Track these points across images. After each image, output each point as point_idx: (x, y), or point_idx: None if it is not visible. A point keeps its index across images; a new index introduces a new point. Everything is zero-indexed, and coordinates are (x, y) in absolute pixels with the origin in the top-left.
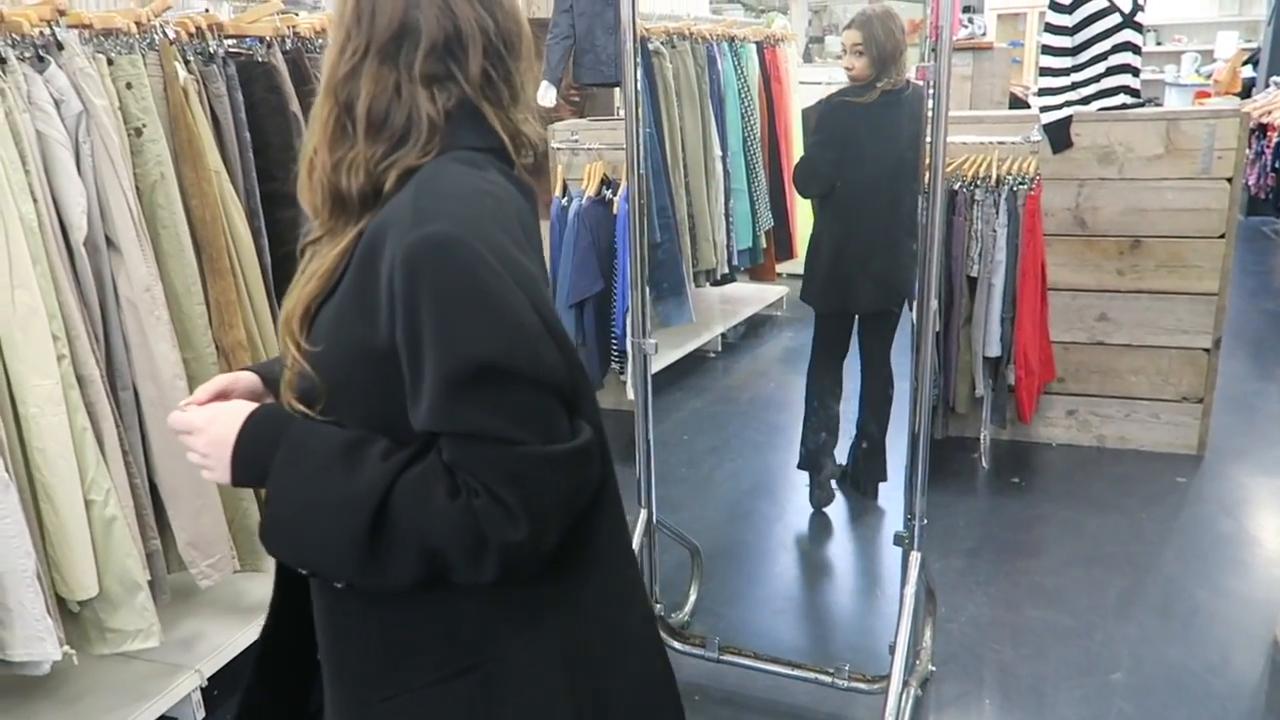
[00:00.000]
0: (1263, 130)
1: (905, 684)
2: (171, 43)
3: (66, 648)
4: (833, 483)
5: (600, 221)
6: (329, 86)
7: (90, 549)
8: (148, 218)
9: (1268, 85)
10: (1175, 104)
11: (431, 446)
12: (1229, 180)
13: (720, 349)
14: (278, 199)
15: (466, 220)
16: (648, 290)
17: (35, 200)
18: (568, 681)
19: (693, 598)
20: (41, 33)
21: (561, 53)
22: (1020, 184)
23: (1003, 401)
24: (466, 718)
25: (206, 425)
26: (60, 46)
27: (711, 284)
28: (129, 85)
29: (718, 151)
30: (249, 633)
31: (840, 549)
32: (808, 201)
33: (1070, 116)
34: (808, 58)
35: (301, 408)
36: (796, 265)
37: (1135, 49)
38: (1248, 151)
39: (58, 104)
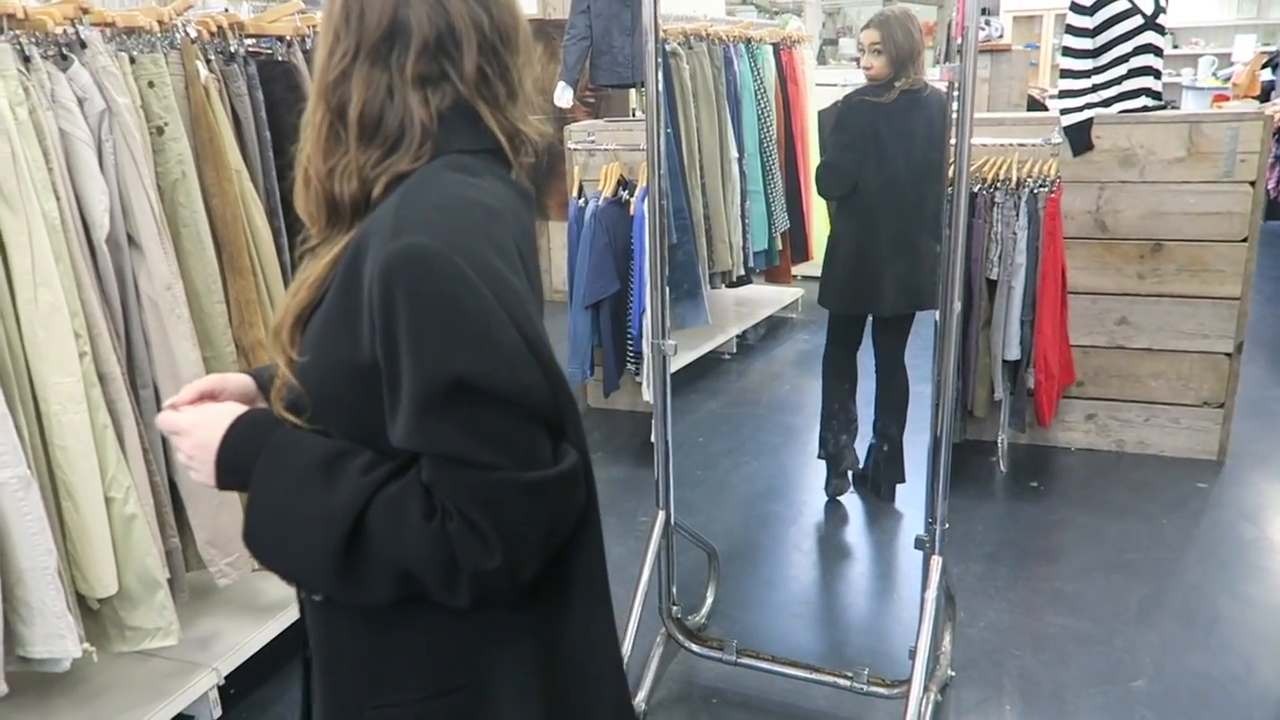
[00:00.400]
0: None
1: (925, 689)
2: (193, 41)
3: (86, 645)
4: (848, 474)
5: (616, 222)
6: (320, 91)
7: (110, 546)
8: (169, 216)
9: None
10: (1192, 107)
11: (414, 461)
12: (1251, 184)
13: (735, 351)
14: None
15: (449, 232)
16: (666, 291)
17: (58, 198)
18: (552, 712)
19: (709, 600)
20: (65, 31)
21: (579, 54)
22: (1040, 186)
23: (1021, 405)
24: None
25: (192, 428)
26: (83, 45)
27: (727, 286)
28: (151, 84)
29: (734, 153)
30: (266, 631)
31: (857, 552)
32: (824, 203)
33: (1091, 119)
34: (822, 60)
35: (290, 416)
36: (812, 267)
37: (1157, 51)
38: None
39: (81, 102)
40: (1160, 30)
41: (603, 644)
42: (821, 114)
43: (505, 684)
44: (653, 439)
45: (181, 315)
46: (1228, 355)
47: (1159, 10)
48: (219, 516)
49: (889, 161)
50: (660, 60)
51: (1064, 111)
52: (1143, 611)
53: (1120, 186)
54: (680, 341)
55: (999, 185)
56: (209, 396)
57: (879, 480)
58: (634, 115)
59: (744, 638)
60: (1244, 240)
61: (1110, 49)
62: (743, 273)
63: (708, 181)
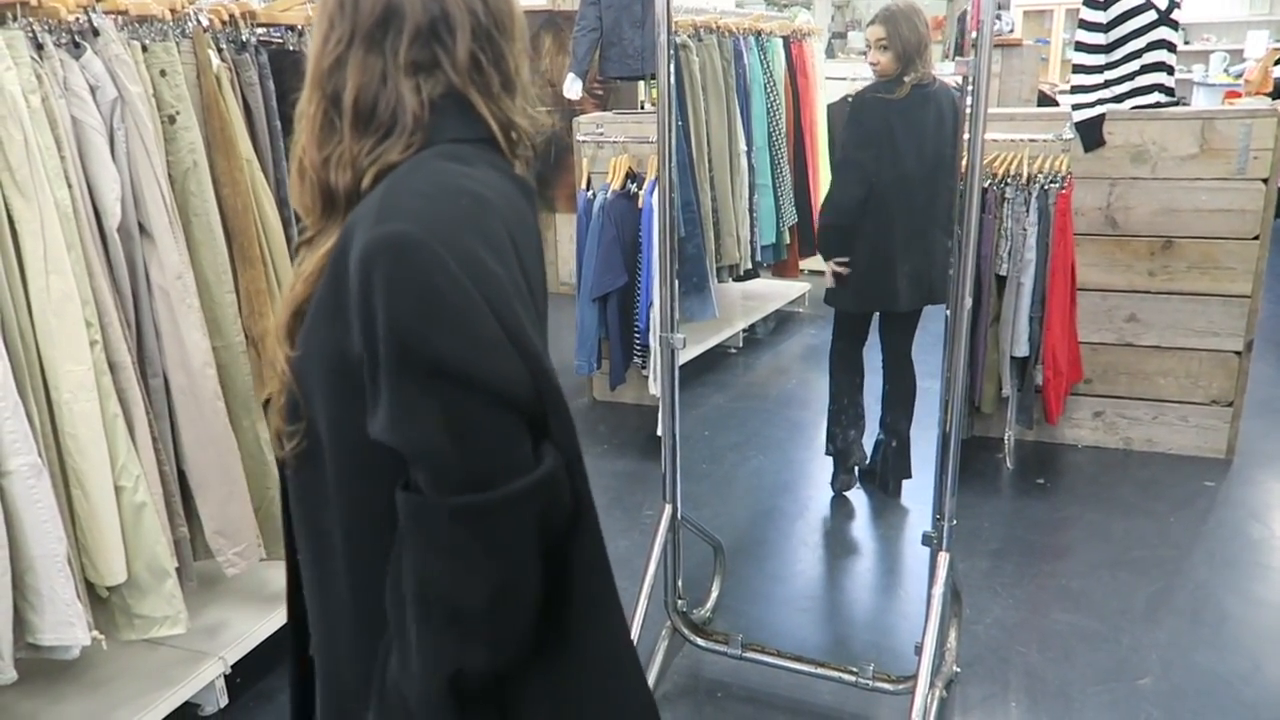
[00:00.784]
0: None
1: (931, 685)
2: (205, 30)
3: (95, 633)
4: (855, 469)
5: (625, 215)
6: (315, 79)
7: (120, 535)
8: (180, 205)
9: None
10: (1204, 104)
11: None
12: (1264, 181)
13: (742, 345)
14: None
15: (431, 220)
16: (676, 285)
17: (70, 186)
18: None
19: (715, 594)
20: (78, 19)
21: (588, 45)
22: (1051, 182)
23: (1029, 402)
24: None
25: None
26: (96, 33)
27: (734, 279)
28: (163, 72)
29: (743, 146)
30: (273, 621)
31: (863, 547)
32: None
33: (1103, 115)
34: (830, 53)
35: (290, 429)
36: (820, 262)
37: (1171, 47)
38: None
39: (93, 90)
40: (1174, 26)
41: (616, 642)
42: (831, 108)
43: (513, 687)
44: (659, 432)
45: (192, 304)
46: (1237, 353)
47: (1173, 6)
48: (228, 506)
49: (902, 157)
50: (671, 53)
51: (1076, 107)
52: (1149, 609)
53: (1132, 183)
54: (687, 335)
55: (1009, 181)
56: None
57: (886, 476)
58: (642, 107)
59: (749, 632)
60: (1256, 238)
61: (1124, 44)
62: (750, 266)
63: (716, 175)
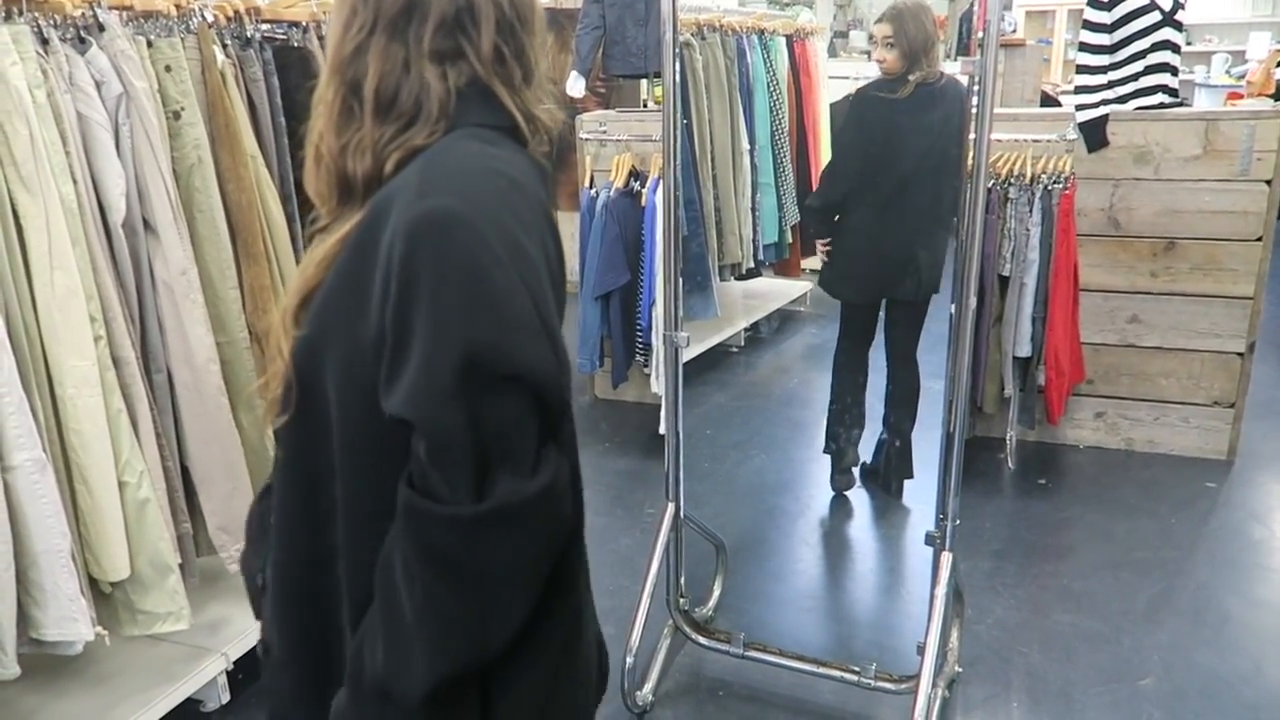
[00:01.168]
0: None
1: (933, 685)
2: (210, 26)
3: (99, 628)
4: (854, 470)
5: (627, 213)
6: (334, 66)
7: (123, 530)
8: (184, 201)
9: None
10: (1205, 105)
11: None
12: (1268, 183)
13: (744, 344)
14: None
15: (475, 199)
16: (680, 283)
17: (75, 181)
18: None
19: (717, 592)
20: (83, 14)
21: (591, 43)
22: (1055, 183)
23: (1031, 402)
24: None
25: None
26: (101, 28)
27: (736, 278)
28: (168, 68)
29: (746, 145)
30: None
31: (865, 546)
32: None
33: (1106, 115)
34: (832, 52)
35: (280, 420)
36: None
37: (1175, 48)
38: None
39: (98, 85)
40: (1178, 27)
41: (579, 601)
42: (833, 107)
43: (512, 685)
44: (662, 430)
45: (196, 300)
46: (1239, 355)
47: (1177, 7)
48: (231, 502)
49: (905, 155)
50: (676, 51)
51: (1080, 108)
52: (1151, 610)
53: (1135, 184)
54: (689, 333)
55: (1013, 181)
56: None
57: (888, 475)
58: (645, 106)
59: (751, 631)
60: (1259, 239)
61: (1128, 45)
62: (752, 265)
63: (719, 173)
